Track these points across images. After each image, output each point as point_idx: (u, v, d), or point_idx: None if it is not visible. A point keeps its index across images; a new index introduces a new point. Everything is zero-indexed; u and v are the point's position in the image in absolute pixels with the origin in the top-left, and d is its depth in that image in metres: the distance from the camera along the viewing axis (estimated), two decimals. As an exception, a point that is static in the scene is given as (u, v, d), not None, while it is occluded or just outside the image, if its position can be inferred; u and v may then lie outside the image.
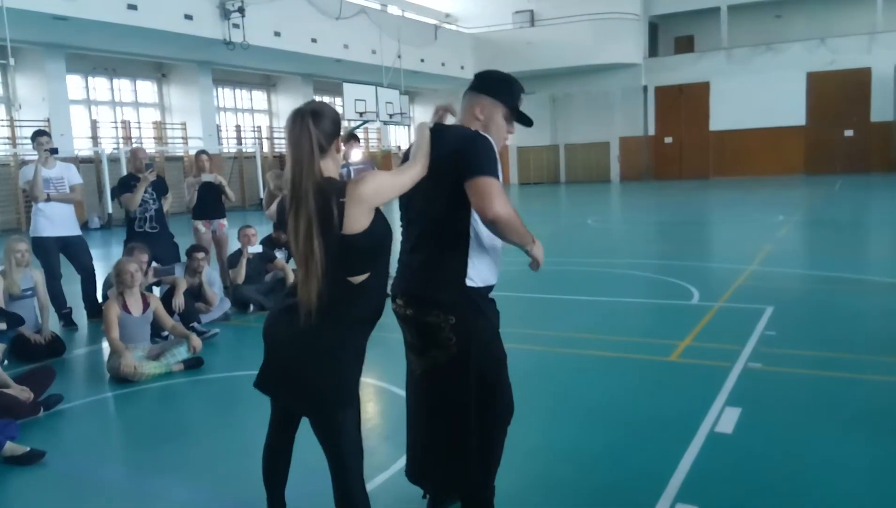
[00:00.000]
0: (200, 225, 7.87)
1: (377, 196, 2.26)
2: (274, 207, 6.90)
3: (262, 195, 22.53)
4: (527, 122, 2.70)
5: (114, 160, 18.26)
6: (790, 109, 27.03)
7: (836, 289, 7.08)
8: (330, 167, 2.29)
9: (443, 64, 26.71)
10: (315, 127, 2.21)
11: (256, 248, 7.39)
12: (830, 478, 3.13)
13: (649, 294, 7.45)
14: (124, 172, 8.91)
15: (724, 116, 28.15)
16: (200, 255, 6.82)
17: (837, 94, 26.28)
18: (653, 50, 30.29)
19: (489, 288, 2.64)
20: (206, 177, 7.79)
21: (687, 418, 3.82)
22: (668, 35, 30.94)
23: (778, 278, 7.68)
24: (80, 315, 6.98)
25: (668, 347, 5.22)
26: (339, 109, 25.24)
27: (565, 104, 30.79)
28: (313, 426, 2.35)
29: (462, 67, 28.32)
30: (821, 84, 26.58)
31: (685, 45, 30.31)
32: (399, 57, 22.94)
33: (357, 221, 2.21)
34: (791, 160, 27.34)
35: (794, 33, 27.25)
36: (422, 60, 25.28)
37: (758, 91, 27.15)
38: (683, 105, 28.92)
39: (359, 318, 2.32)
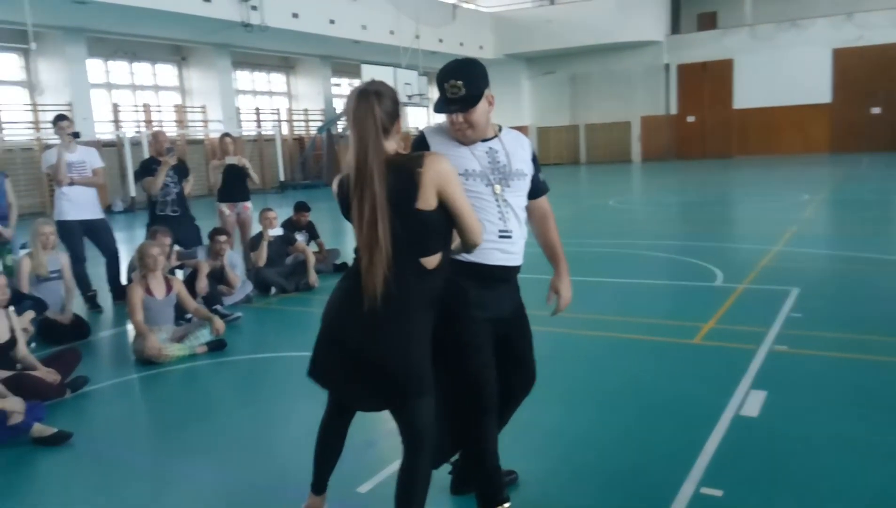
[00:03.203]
0: (225, 208, 7.90)
1: (447, 179, 2.20)
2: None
3: (281, 178, 22.62)
4: (436, 107, 2.54)
5: (136, 144, 18.39)
6: (815, 87, 26.53)
7: (864, 270, 6.96)
8: (391, 149, 2.24)
9: (461, 44, 26.50)
10: (379, 107, 2.19)
11: (277, 230, 7.42)
12: (857, 463, 3.08)
13: (672, 276, 7.38)
14: (146, 156, 8.96)
15: (748, 93, 27.70)
16: (222, 238, 6.85)
17: (864, 70, 25.72)
18: (675, 27, 29.81)
19: (465, 263, 2.51)
20: (230, 160, 7.81)
21: (711, 401, 3.78)
22: (690, 11, 30.41)
23: (804, 259, 7.57)
24: (105, 298, 7.06)
25: (691, 329, 5.17)
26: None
27: (585, 83, 30.46)
28: (390, 409, 2.36)
29: (481, 47, 28.08)
30: (847, 60, 26.02)
31: (708, 21, 29.78)
32: (417, 37, 22.78)
33: (431, 197, 2.18)
34: (816, 139, 26.88)
35: (820, 9, 26.65)
36: (440, 41, 25.10)
37: (782, 68, 26.67)
38: (706, 83, 28.48)
39: (431, 302, 2.30)
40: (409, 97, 22.17)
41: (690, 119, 29.12)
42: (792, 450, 3.22)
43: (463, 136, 2.52)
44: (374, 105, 2.18)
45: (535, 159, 2.72)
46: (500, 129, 2.65)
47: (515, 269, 2.64)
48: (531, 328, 2.78)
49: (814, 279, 6.60)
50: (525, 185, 2.63)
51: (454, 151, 2.50)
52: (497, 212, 2.54)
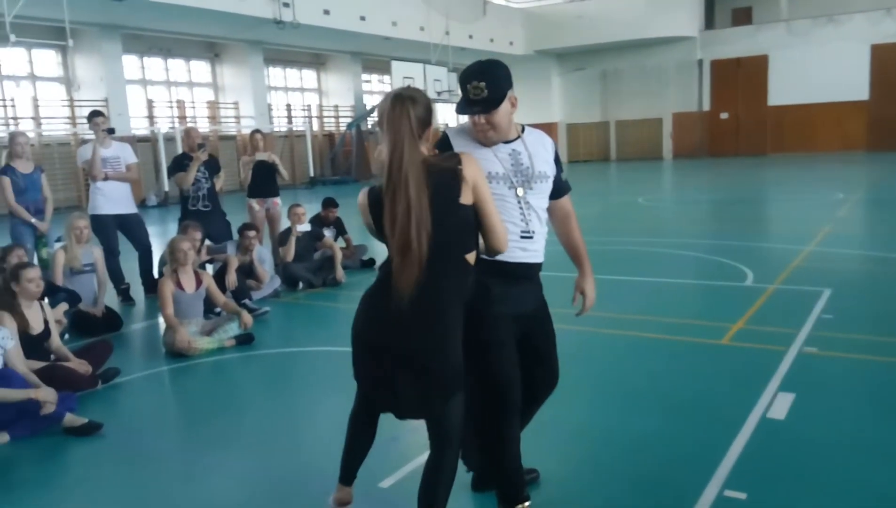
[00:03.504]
0: (255, 203, 7.99)
1: (481, 179, 2.27)
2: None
3: (311, 174, 22.79)
4: (458, 108, 2.54)
5: (169, 139, 18.64)
6: (852, 83, 25.93)
7: (899, 271, 6.82)
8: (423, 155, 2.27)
9: (491, 40, 26.41)
10: (413, 111, 2.21)
11: (305, 226, 7.49)
12: (885, 468, 3.03)
13: (701, 275, 7.30)
14: (179, 152, 9.08)
15: (784, 90, 27.18)
16: (251, 233, 6.93)
17: (903, 67, 25.12)
18: (709, 22, 29.36)
19: (488, 261, 2.48)
20: (260, 156, 7.90)
21: (738, 402, 3.74)
22: (724, 6, 29.92)
23: (837, 260, 7.43)
24: (138, 291, 7.18)
25: (719, 329, 5.11)
26: (388, 88, 25.22)
27: (616, 79, 30.15)
28: (425, 416, 2.38)
29: (511, 43, 27.96)
30: (886, 56, 25.39)
31: (743, 16, 29.28)
32: (447, 33, 22.76)
33: (469, 193, 2.24)
34: (853, 136, 26.29)
35: (858, 4, 26.01)
36: (470, 37, 25.03)
37: (819, 64, 26.12)
38: (740, 79, 27.99)
39: (463, 298, 2.32)
40: (439, 94, 22.18)
41: (724, 116, 28.67)
42: (819, 454, 3.17)
43: (485, 137, 2.51)
44: (409, 108, 2.20)
45: (557, 159, 2.70)
46: (522, 129, 2.63)
47: (537, 266, 2.64)
48: (555, 326, 2.77)
49: (846, 280, 6.48)
50: (547, 187, 2.63)
51: (477, 154, 2.48)
52: (520, 214, 2.54)
